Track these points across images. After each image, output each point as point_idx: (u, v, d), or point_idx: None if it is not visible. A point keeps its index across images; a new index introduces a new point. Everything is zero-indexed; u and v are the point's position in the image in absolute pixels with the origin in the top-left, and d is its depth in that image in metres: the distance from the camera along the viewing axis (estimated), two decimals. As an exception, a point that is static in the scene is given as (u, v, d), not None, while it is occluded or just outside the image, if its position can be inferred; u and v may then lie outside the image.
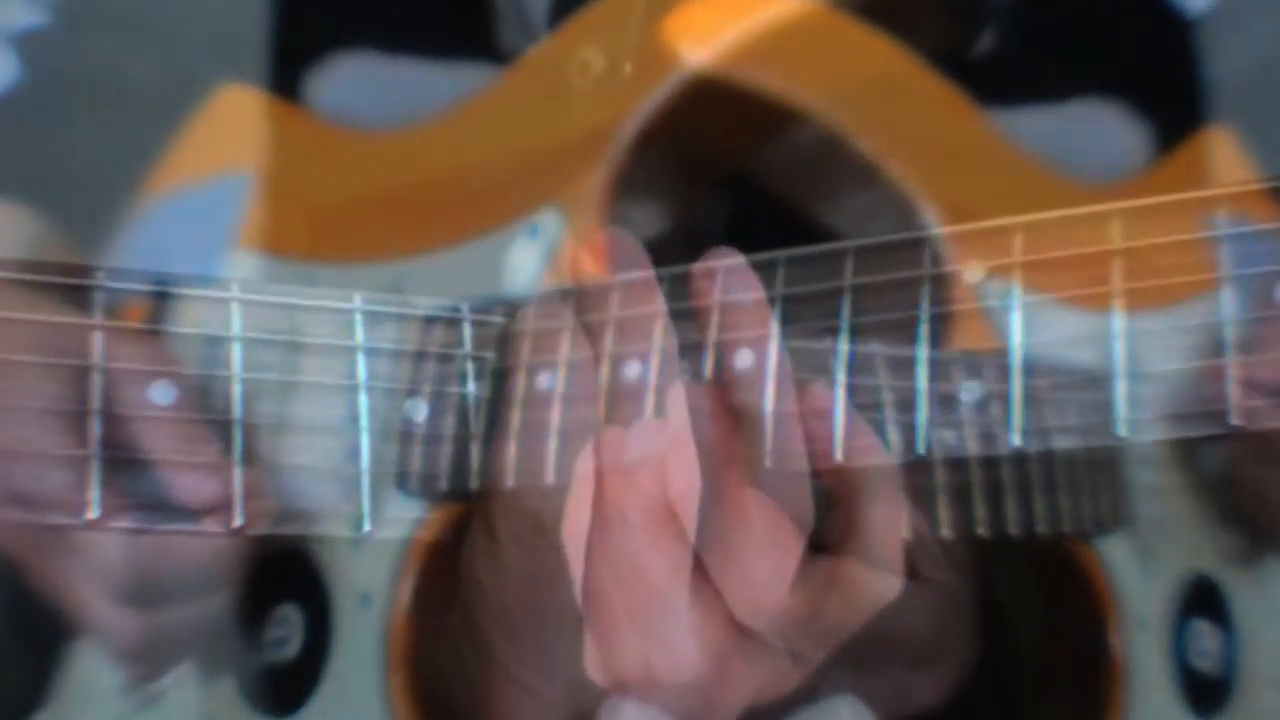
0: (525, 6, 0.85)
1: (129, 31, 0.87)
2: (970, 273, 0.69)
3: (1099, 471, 0.75)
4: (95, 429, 0.68)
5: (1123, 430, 0.67)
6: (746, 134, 0.80)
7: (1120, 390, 0.67)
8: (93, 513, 0.68)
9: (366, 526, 0.72)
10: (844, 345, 0.70)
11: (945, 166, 0.79)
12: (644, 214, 0.78)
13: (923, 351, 0.70)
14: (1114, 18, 0.86)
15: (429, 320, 0.73)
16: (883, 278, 0.70)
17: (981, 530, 0.73)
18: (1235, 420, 0.66)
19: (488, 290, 0.76)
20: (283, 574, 0.77)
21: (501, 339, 0.73)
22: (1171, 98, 0.85)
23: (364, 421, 0.72)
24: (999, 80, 0.82)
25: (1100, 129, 0.84)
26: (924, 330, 0.69)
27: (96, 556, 0.72)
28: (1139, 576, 0.76)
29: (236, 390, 0.70)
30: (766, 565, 0.68)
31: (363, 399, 0.72)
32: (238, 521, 0.70)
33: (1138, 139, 0.84)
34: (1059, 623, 0.78)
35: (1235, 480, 0.78)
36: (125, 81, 0.87)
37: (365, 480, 0.72)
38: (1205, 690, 0.77)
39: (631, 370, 0.70)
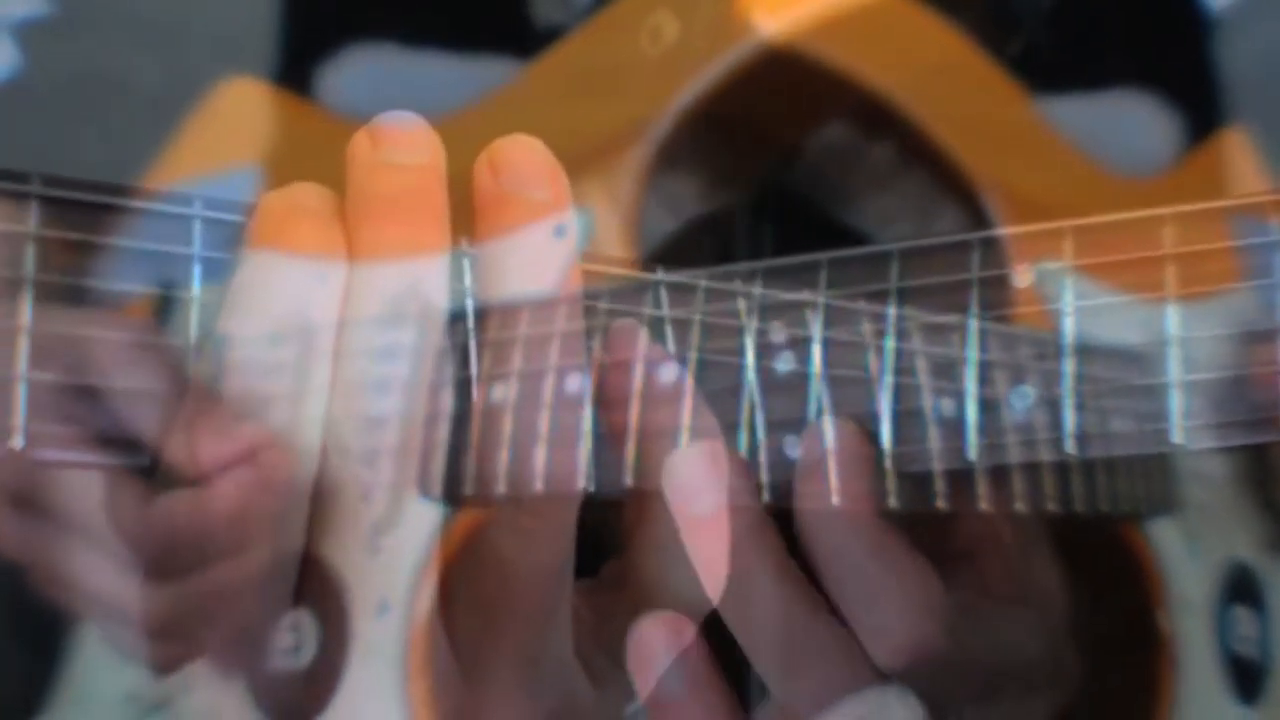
0: None
1: (132, 22, 0.86)
2: (1020, 276, 0.68)
3: (1152, 454, 0.75)
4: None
5: (1178, 438, 0.68)
6: (809, 111, 0.79)
7: (1176, 398, 0.68)
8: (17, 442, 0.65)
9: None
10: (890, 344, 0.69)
11: (1004, 153, 0.79)
12: (683, 193, 0.77)
13: (973, 353, 0.69)
14: (1145, 12, 0.87)
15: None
16: (932, 280, 0.69)
17: (1052, 506, 0.72)
18: None
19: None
20: (295, 579, 0.75)
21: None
22: (1200, 93, 0.86)
23: None
24: (1034, 68, 0.83)
25: (1132, 121, 0.85)
26: (974, 330, 0.69)
27: (104, 532, 0.70)
28: (1186, 561, 0.76)
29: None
30: (910, 602, 0.66)
31: None
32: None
33: (1169, 133, 0.85)
34: (1109, 604, 0.78)
35: (1272, 471, 0.78)
36: (127, 72, 0.85)
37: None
38: (1247, 676, 0.77)
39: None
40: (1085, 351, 0.69)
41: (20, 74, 0.86)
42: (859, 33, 0.78)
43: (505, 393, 0.69)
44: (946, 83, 0.79)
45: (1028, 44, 0.85)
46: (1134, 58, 0.86)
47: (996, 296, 0.68)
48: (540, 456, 0.69)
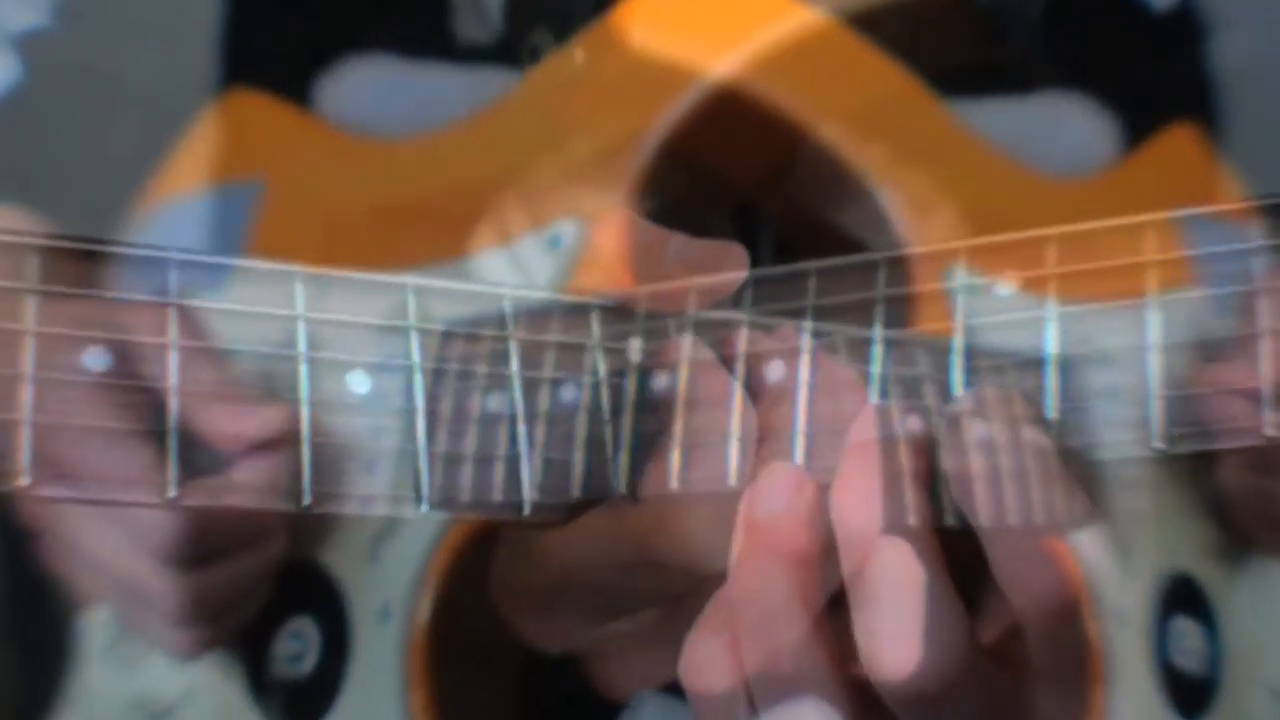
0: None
1: (132, 32, 0.86)
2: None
3: (1073, 463, 0.74)
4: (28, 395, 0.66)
5: (1160, 444, 0.69)
6: (761, 150, 0.79)
7: (1156, 404, 0.68)
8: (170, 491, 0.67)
9: (425, 507, 0.71)
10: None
11: (915, 161, 0.79)
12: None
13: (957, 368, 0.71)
14: (1080, 11, 0.86)
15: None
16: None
17: (950, 520, 0.72)
18: (1271, 432, 0.67)
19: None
20: (298, 587, 0.76)
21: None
22: (1138, 94, 0.85)
23: (419, 400, 0.71)
24: (963, 72, 0.83)
25: (1066, 123, 0.84)
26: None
27: (137, 519, 0.71)
28: (1116, 572, 0.74)
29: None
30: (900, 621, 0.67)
31: (418, 379, 0.71)
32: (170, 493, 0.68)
33: (1104, 134, 0.84)
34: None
35: (1230, 489, 0.78)
36: (127, 83, 0.85)
37: (423, 457, 0.71)
38: (1189, 690, 0.77)
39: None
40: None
41: (21, 84, 0.86)
42: (797, 66, 0.78)
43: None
44: (858, 95, 0.79)
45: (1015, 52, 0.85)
46: (1069, 57, 0.85)
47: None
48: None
